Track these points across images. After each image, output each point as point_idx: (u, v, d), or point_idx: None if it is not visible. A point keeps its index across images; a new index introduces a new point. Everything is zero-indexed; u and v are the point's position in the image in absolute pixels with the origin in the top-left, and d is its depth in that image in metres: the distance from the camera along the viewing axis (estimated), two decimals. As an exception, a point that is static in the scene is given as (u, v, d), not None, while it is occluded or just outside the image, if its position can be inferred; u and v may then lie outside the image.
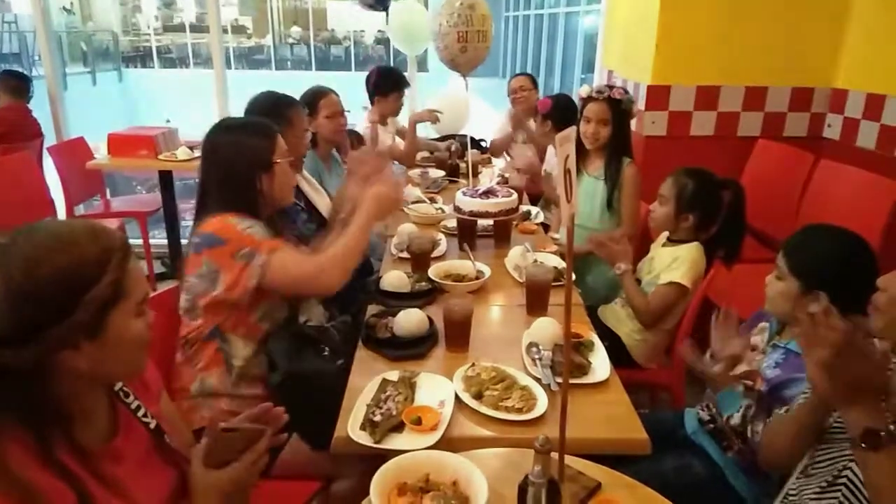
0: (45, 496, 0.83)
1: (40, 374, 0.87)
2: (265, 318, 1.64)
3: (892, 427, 1.04)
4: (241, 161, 1.60)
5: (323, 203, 2.40)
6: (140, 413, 1.04)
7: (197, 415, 1.58)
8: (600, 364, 1.56)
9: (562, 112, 3.19)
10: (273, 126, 1.71)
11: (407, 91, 3.71)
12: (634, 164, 2.58)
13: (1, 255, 0.85)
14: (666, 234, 2.22)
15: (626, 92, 2.57)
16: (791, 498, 1.22)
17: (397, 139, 3.76)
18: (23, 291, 0.83)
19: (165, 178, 3.95)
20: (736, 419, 1.44)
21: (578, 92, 2.71)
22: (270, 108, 2.14)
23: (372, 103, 3.64)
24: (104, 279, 0.88)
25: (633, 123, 3.37)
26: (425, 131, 4.06)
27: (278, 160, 1.65)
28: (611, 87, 2.57)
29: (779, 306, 1.46)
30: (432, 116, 3.62)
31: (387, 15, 3.80)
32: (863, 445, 1.02)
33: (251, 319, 1.61)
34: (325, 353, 1.67)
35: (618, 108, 2.52)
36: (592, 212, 2.61)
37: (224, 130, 1.67)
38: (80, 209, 4.16)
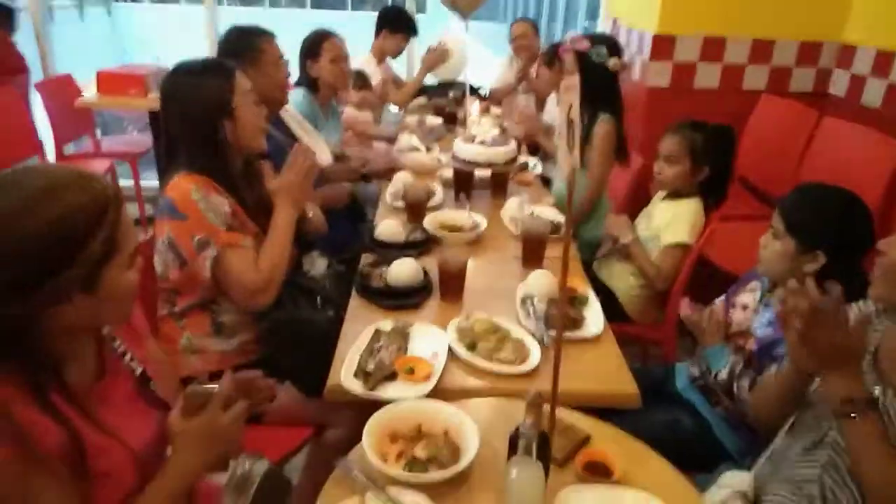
0: (35, 433, 0.83)
1: (31, 326, 0.85)
2: None
3: (874, 394, 1.04)
4: (198, 109, 1.47)
5: (318, 147, 2.33)
6: (126, 358, 1.04)
7: (186, 364, 1.57)
8: (594, 319, 1.55)
9: None
10: (229, 63, 1.56)
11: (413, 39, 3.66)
12: (612, 121, 2.44)
13: None
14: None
15: (610, 42, 2.45)
16: (777, 456, 1.23)
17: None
18: (4, 251, 0.79)
19: (156, 119, 3.86)
20: (723, 374, 1.45)
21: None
22: (237, 40, 2.01)
23: (377, 36, 3.59)
24: (99, 235, 0.85)
25: (637, 74, 3.29)
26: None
27: (239, 102, 1.51)
28: (590, 37, 2.45)
29: (774, 266, 1.45)
30: (444, 53, 3.54)
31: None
32: (839, 410, 1.03)
33: None
34: (319, 304, 1.66)
35: (585, 60, 2.40)
36: None
37: (177, 76, 1.51)
38: (69, 148, 4.06)
